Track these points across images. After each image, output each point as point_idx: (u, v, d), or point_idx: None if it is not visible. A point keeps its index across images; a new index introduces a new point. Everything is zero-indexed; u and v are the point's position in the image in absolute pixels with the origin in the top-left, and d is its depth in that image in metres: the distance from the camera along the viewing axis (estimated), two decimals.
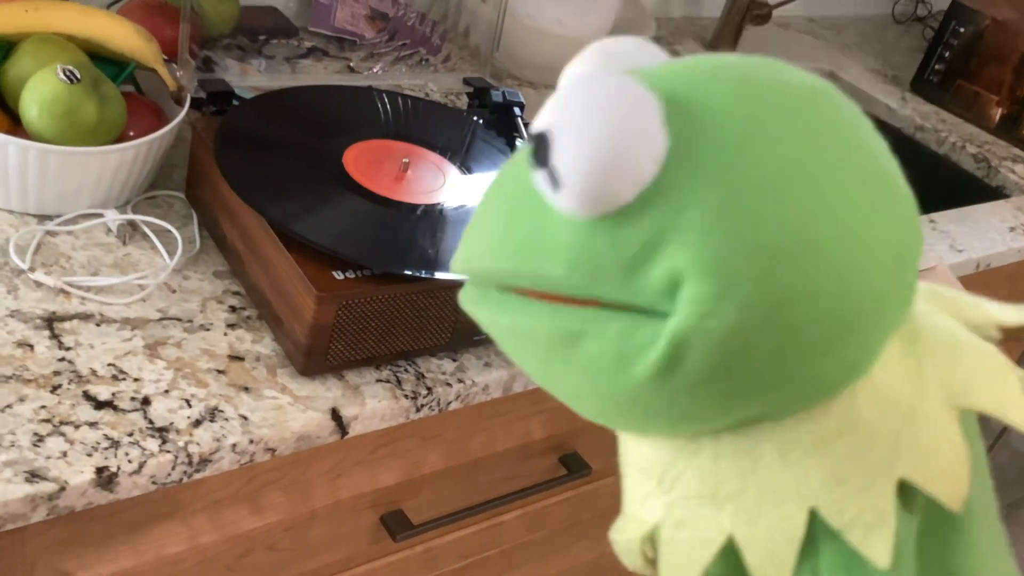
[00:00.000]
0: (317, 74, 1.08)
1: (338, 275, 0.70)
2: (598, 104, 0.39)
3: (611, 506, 1.08)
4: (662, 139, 0.39)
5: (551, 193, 0.40)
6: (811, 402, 0.43)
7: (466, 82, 1.00)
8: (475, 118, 0.94)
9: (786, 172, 0.39)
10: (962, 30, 1.57)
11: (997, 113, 1.55)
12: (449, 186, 0.82)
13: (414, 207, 0.78)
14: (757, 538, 0.43)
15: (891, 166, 0.42)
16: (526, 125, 0.93)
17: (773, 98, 0.41)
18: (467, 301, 0.49)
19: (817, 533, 0.43)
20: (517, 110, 0.94)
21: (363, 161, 0.81)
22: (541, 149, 0.39)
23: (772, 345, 0.39)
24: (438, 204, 0.79)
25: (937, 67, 1.61)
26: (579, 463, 0.97)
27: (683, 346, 0.39)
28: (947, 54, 1.60)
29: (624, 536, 0.49)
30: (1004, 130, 1.55)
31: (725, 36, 1.56)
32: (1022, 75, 1.53)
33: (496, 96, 0.94)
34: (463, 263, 0.47)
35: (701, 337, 0.39)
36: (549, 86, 1.27)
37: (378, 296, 0.71)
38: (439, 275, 0.72)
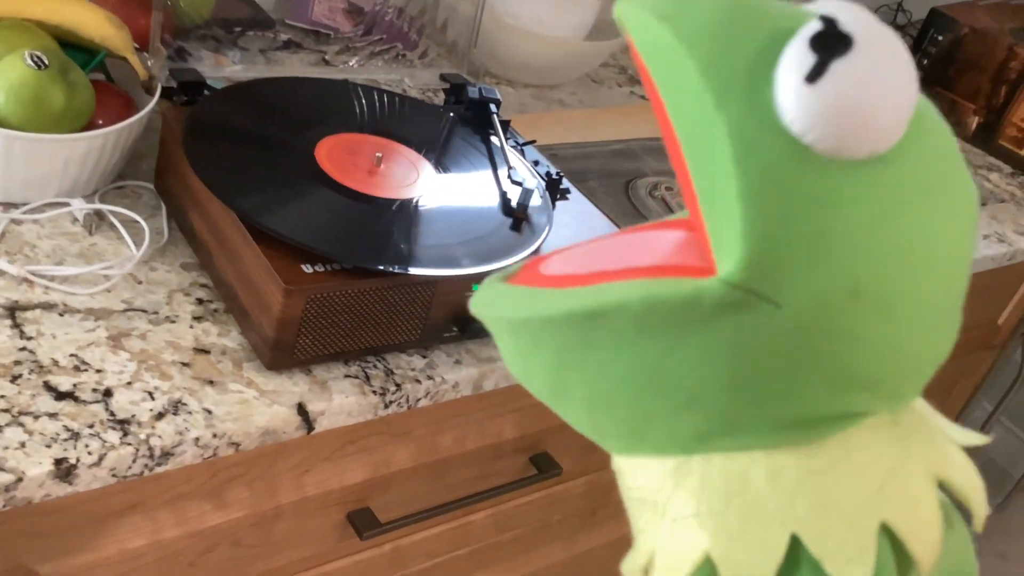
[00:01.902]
0: (292, 67, 1.07)
1: (307, 268, 0.69)
2: (905, 56, 0.38)
3: (581, 507, 1.08)
4: (898, 122, 0.39)
5: (794, 78, 0.38)
6: (804, 435, 0.43)
7: (443, 78, 1.00)
8: (451, 114, 0.93)
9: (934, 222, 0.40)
10: (940, 38, 1.58)
11: (974, 122, 1.56)
12: (422, 182, 0.81)
13: (386, 202, 0.77)
14: (735, 556, 0.43)
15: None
16: (503, 123, 0.92)
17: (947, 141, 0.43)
18: (476, 301, 0.47)
19: (799, 560, 0.43)
20: (493, 107, 0.93)
21: (335, 154, 0.80)
22: (833, 43, 0.38)
23: (803, 356, 0.39)
24: (411, 199, 0.79)
25: None
26: (550, 463, 0.96)
27: (730, 308, 0.39)
28: (925, 62, 1.60)
29: (629, 567, 0.48)
30: (980, 139, 1.56)
31: None
32: (999, 84, 1.54)
33: (472, 92, 0.94)
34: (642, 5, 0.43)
35: (751, 310, 0.39)
36: (528, 84, 1.26)
37: (347, 290, 0.70)
38: (410, 270, 0.71)
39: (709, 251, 0.41)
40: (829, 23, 0.38)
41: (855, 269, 0.39)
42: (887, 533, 0.43)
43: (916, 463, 0.44)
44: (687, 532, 0.44)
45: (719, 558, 0.43)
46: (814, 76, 0.38)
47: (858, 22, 0.38)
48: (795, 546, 0.42)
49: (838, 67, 0.37)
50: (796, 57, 0.38)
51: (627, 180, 1.14)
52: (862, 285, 0.39)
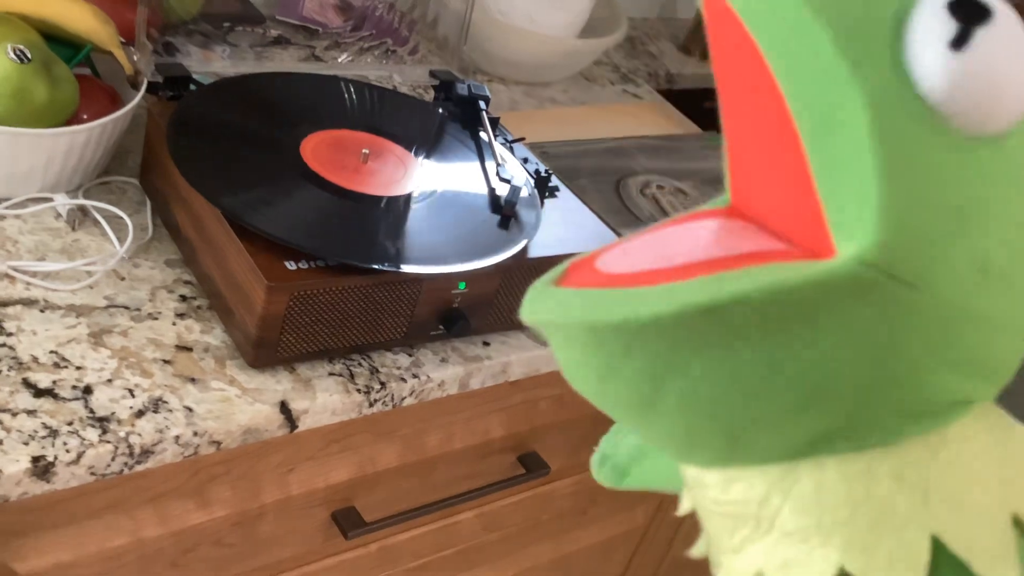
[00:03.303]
0: (282, 62, 1.06)
1: (291, 265, 0.68)
2: None
3: (570, 507, 1.07)
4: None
5: (935, 45, 0.36)
6: (927, 423, 0.40)
7: (432, 75, 0.99)
8: (440, 111, 0.92)
9: None
10: None
11: None
12: (409, 178, 0.81)
13: (373, 199, 0.77)
14: (875, 568, 0.40)
15: None
16: (492, 120, 0.92)
17: None
18: (541, 308, 0.43)
19: (938, 564, 0.40)
20: (482, 104, 0.92)
21: (322, 151, 0.79)
22: (972, 11, 0.36)
23: (933, 339, 0.38)
24: (397, 196, 0.78)
25: None
26: (538, 463, 0.95)
27: (863, 292, 0.36)
28: None
29: None
30: None
31: (699, 37, 1.55)
32: None
33: (461, 89, 0.93)
34: None
35: (885, 293, 0.36)
36: (520, 82, 1.26)
37: (331, 288, 0.69)
38: (396, 268, 0.71)
39: (804, 235, 0.38)
40: None
41: (986, 245, 0.37)
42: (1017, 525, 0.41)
43: (1019, 446, 0.42)
44: (809, 547, 0.41)
45: (859, 573, 0.40)
46: (959, 43, 0.36)
47: None
48: (934, 549, 0.39)
49: (982, 35, 0.36)
50: (935, 24, 0.37)
51: (618, 178, 1.13)
52: (991, 261, 0.37)
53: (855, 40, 0.37)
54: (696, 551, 0.50)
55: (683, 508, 0.53)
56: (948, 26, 0.36)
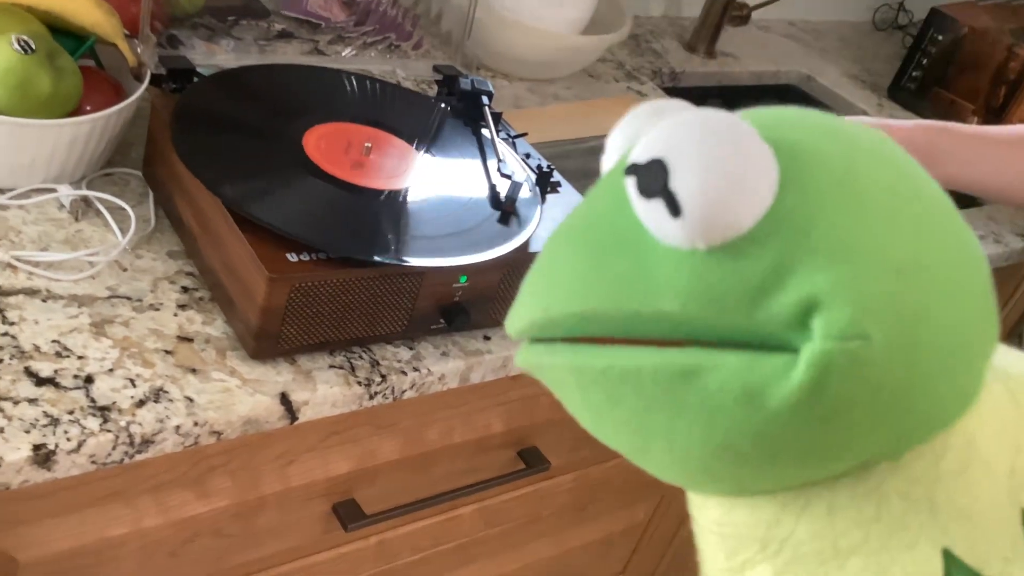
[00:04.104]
0: (285, 56, 1.06)
1: (292, 257, 0.69)
2: (717, 132, 0.38)
3: (570, 503, 1.07)
4: (775, 168, 0.39)
5: (665, 223, 0.38)
6: (932, 431, 0.41)
7: (436, 69, 0.99)
8: (442, 105, 0.93)
9: (892, 195, 0.39)
10: (940, 38, 1.57)
11: (973, 122, 1.55)
12: (411, 172, 0.81)
13: (374, 192, 0.77)
14: None
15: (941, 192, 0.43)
16: (494, 115, 0.92)
17: (854, 134, 0.42)
18: (533, 356, 0.45)
19: (950, 573, 0.41)
20: (485, 99, 0.93)
21: (324, 144, 0.79)
22: (654, 177, 0.38)
23: (906, 365, 0.38)
24: (399, 190, 0.78)
25: (914, 74, 1.61)
26: (538, 458, 0.96)
27: (826, 371, 0.37)
28: (925, 61, 1.59)
29: None
30: None
31: (703, 36, 1.55)
32: (999, 84, 1.53)
33: (464, 84, 0.93)
34: (533, 314, 0.43)
35: (844, 361, 0.37)
36: (523, 78, 1.26)
37: (332, 280, 0.69)
38: (397, 261, 0.71)
39: None
40: (632, 169, 0.39)
41: (879, 253, 0.38)
42: None
43: None
44: (825, 570, 0.41)
45: None
46: (675, 209, 0.38)
47: (649, 145, 0.39)
48: (946, 558, 0.40)
49: (677, 185, 0.37)
50: (647, 212, 0.39)
51: None
52: (899, 262, 0.38)
53: (623, 290, 0.40)
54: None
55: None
56: (655, 205, 0.38)
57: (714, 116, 0.39)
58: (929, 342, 0.38)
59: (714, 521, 0.45)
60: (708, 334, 0.39)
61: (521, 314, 0.44)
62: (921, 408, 0.39)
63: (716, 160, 0.38)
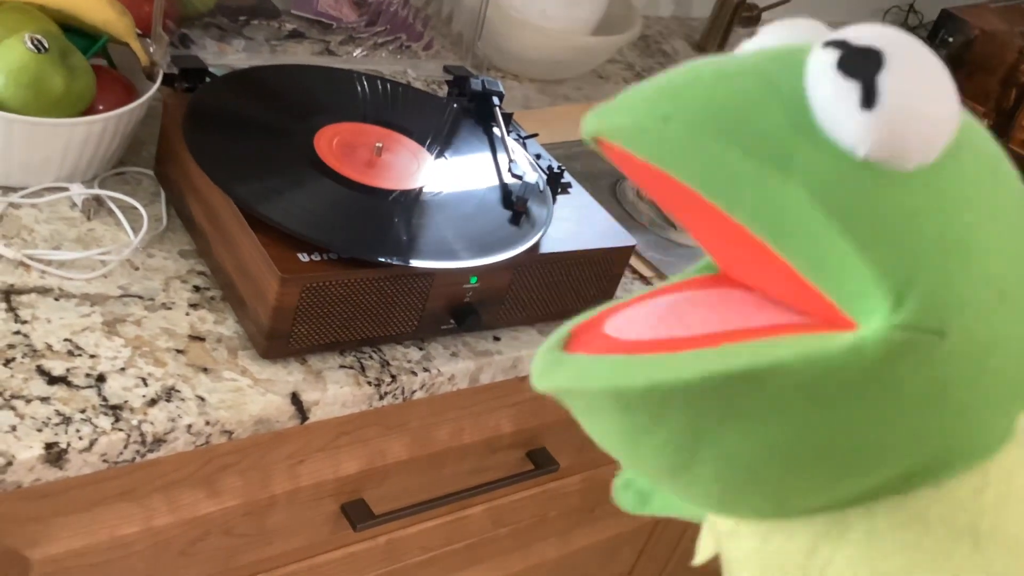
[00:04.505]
0: (296, 56, 1.06)
1: (303, 257, 0.69)
2: (937, 61, 0.37)
3: (578, 504, 1.07)
4: (955, 126, 0.38)
5: (847, 108, 0.36)
6: (975, 457, 0.40)
7: (446, 70, 0.99)
8: (453, 105, 0.93)
9: (1017, 214, 0.39)
10: (951, 40, 1.57)
11: (983, 124, 1.55)
12: (422, 173, 0.81)
13: (385, 192, 0.77)
14: None
15: None
16: (505, 116, 0.92)
17: (992, 143, 0.41)
18: (560, 379, 0.41)
19: None
20: (496, 99, 0.93)
21: (335, 144, 0.80)
22: (865, 61, 0.36)
23: (969, 378, 0.37)
24: (410, 190, 0.78)
25: None
26: (547, 459, 0.96)
27: (895, 353, 0.35)
28: None
29: None
30: None
31: (713, 37, 1.55)
32: (1009, 87, 1.53)
33: (475, 84, 0.93)
34: (642, 117, 0.39)
35: (914, 349, 0.36)
36: (534, 79, 1.26)
37: (344, 280, 0.70)
38: (408, 262, 0.71)
39: (813, 308, 0.38)
40: (842, 45, 0.37)
41: (992, 269, 0.37)
42: None
43: None
44: None
45: None
46: (870, 99, 0.36)
47: (870, 33, 0.37)
48: None
49: (886, 80, 0.36)
50: (835, 89, 0.36)
51: (612, 181, 1.13)
52: (1005, 282, 0.37)
53: (765, 142, 0.37)
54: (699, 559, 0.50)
55: (703, 555, 0.52)
56: (849, 87, 0.36)
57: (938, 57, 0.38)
58: (998, 367, 0.37)
59: (750, 551, 0.43)
60: (797, 244, 0.37)
61: (621, 112, 0.40)
62: (972, 425, 0.39)
63: (932, 87, 0.36)
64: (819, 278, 0.37)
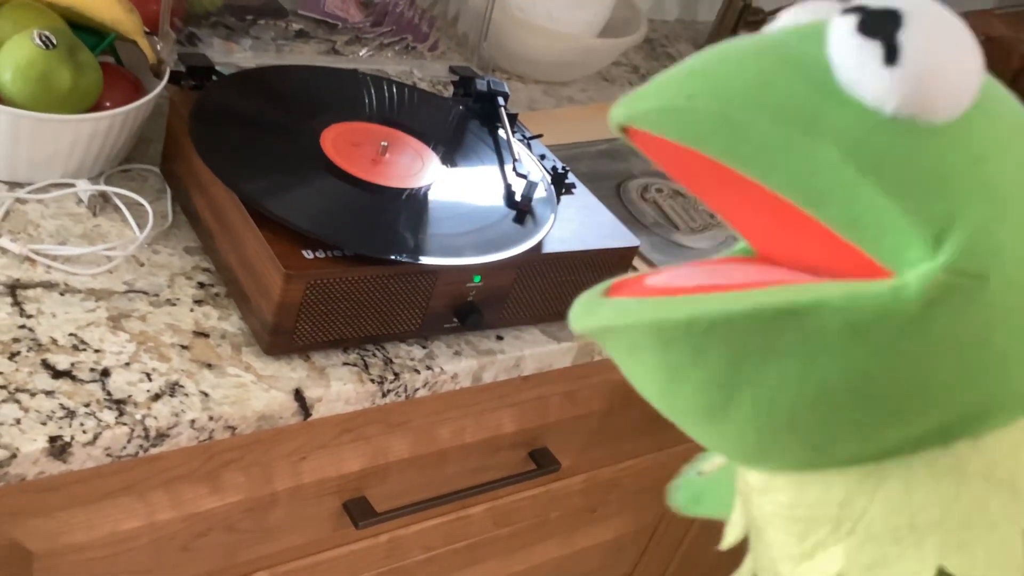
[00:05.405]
0: (303, 56, 1.07)
1: (308, 254, 0.69)
2: (959, 24, 0.38)
3: (580, 504, 1.07)
4: (983, 74, 0.38)
5: (872, 67, 0.37)
6: (1016, 412, 0.40)
7: (452, 70, 1.00)
8: (459, 106, 0.93)
9: None
10: None
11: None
12: (427, 172, 0.81)
13: (390, 190, 0.77)
14: (975, 568, 0.39)
15: None
16: (510, 116, 0.92)
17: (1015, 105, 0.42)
18: (600, 318, 0.42)
19: None
20: (501, 100, 0.93)
21: (341, 142, 0.80)
22: (884, 21, 0.37)
23: (1011, 326, 0.37)
24: (415, 189, 0.79)
25: None
26: (549, 459, 0.96)
27: (937, 297, 0.36)
28: None
29: None
30: None
31: (720, 40, 1.55)
32: (1015, 93, 1.53)
33: (481, 85, 0.94)
34: (669, 99, 0.39)
35: (956, 292, 0.36)
36: (539, 80, 1.26)
37: (348, 277, 0.70)
38: (412, 259, 0.71)
39: (857, 269, 0.38)
40: (860, 9, 0.37)
41: None
42: None
43: None
44: (901, 548, 0.40)
45: (960, 573, 0.39)
46: (892, 57, 0.36)
47: None
48: None
49: (907, 37, 0.36)
50: (857, 51, 0.37)
51: (618, 182, 1.13)
52: None
53: (794, 108, 0.38)
54: (727, 542, 0.50)
55: (731, 537, 0.52)
56: (871, 46, 0.37)
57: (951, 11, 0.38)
58: None
59: (784, 504, 0.43)
60: (832, 204, 0.37)
61: (648, 96, 0.40)
62: (1012, 374, 0.38)
63: (951, 39, 0.37)
64: (858, 236, 0.37)
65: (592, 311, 0.43)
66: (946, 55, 0.37)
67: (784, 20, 0.43)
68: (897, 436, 0.40)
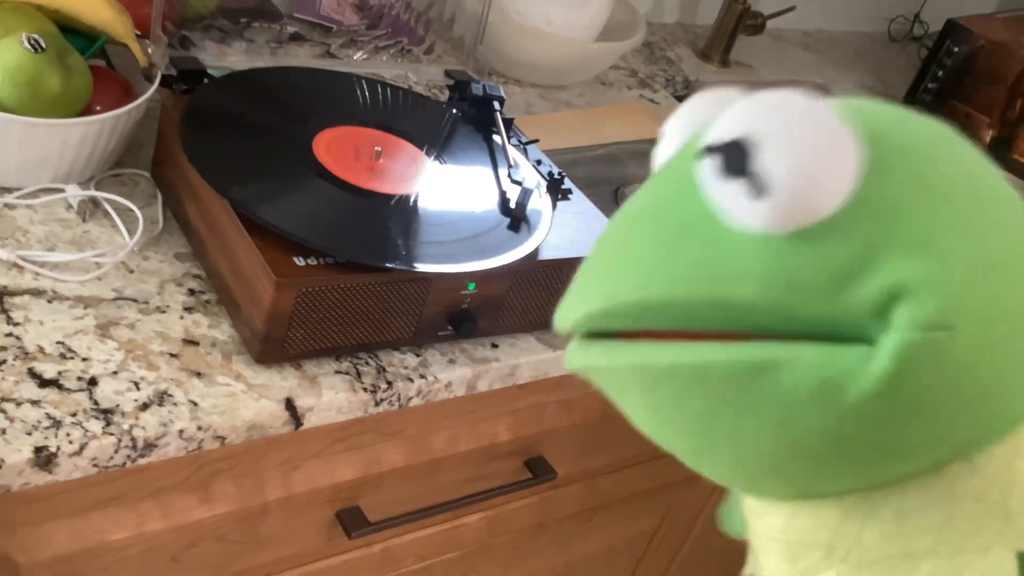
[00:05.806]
0: (297, 59, 1.06)
1: (299, 261, 0.68)
2: (799, 112, 0.37)
3: (576, 513, 1.06)
4: (859, 150, 0.38)
5: (745, 205, 0.37)
6: (1006, 432, 0.40)
7: (447, 74, 0.99)
8: (453, 111, 0.92)
9: (973, 189, 0.39)
10: (956, 50, 1.56)
11: (988, 135, 1.54)
12: (421, 177, 0.80)
13: (384, 197, 0.76)
14: None
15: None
16: (506, 121, 0.91)
17: (929, 125, 0.41)
18: (588, 358, 0.43)
19: None
20: (497, 104, 0.92)
21: (334, 147, 0.79)
22: (737, 157, 0.37)
23: (987, 361, 0.37)
24: (409, 195, 0.78)
25: (930, 86, 1.60)
26: (544, 467, 0.95)
27: (908, 362, 0.36)
28: (940, 73, 1.58)
29: None
30: (994, 153, 1.54)
31: (718, 45, 1.54)
32: (1015, 97, 1.52)
33: (476, 89, 0.93)
34: (591, 304, 0.42)
35: (927, 352, 0.36)
36: (536, 84, 1.25)
37: (340, 285, 0.69)
38: (405, 266, 0.70)
39: None
40: (709, 150, 0.38)
41: (968, 247, 0.37)
42: None
43: None
44: (894, 575, 0.40)
45: None
46: (758, 189, 0.37)
47: (732, 122, 0.37)
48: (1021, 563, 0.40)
49: (764, 163, 0.36)
50: (725, 195, 0.38)
51: (615, 188, 1.12)
52: (990, 255, 0.37)
53: (696, 273, 0.39)
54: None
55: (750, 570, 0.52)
56: (736, 186, 0.37)
57: (792, 97, 0.38)
58: (1010, 339, 0.37)
59: (777, 528, 0.44)
60: (779, 324, 0.38)
61: (576, 305, 0.43)
62: (999, 406, 0.38)
63: (803, 139, 0.36)
64: (815, 340, 0.38)
65: (583, 350, 0.44)
66: (808, 159, 0.37)
67: (669, 135, 0.45)
68: (885, 475, 0.40)
